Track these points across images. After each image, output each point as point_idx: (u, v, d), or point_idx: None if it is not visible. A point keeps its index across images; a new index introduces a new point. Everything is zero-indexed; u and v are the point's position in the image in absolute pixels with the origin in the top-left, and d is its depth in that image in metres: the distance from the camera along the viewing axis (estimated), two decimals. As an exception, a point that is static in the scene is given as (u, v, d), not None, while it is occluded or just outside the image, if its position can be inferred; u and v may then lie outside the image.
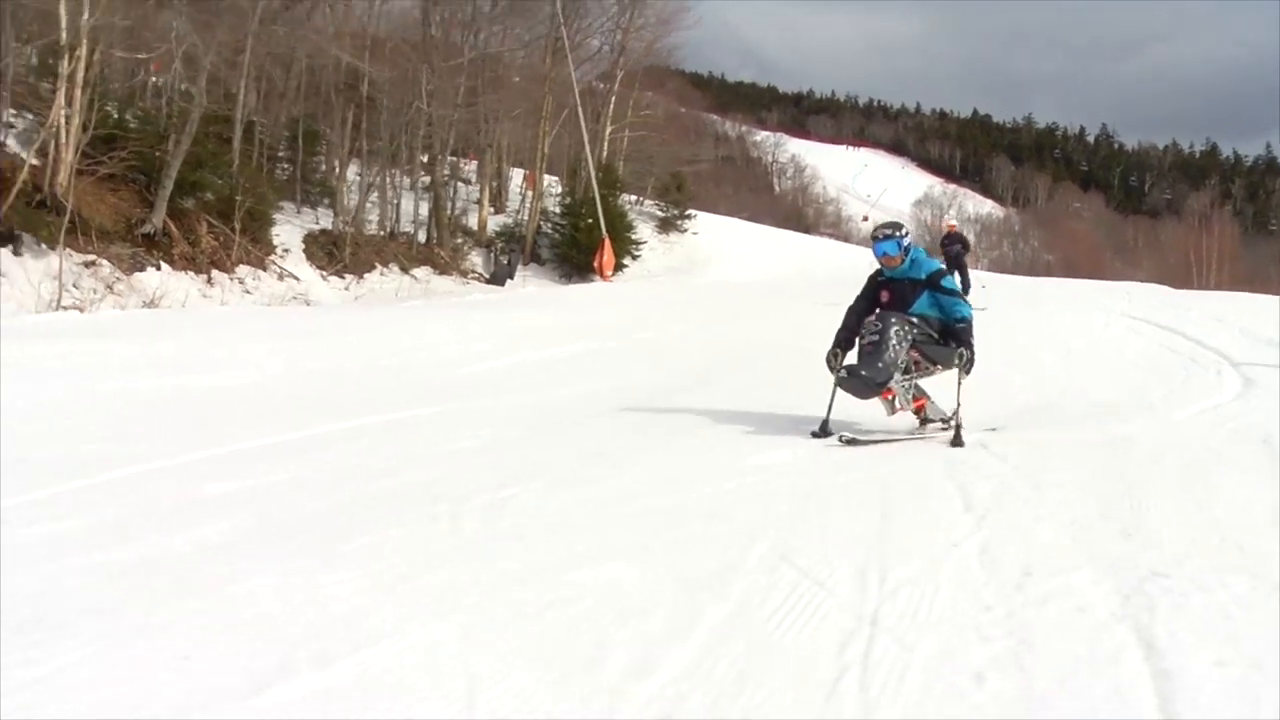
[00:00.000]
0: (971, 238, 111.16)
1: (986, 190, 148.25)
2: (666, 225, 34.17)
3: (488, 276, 27.05)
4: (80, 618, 3.28)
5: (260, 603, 3.48)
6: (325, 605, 3.48)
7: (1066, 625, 3.29)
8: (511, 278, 26.91)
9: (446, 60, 26.44)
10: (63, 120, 19.53)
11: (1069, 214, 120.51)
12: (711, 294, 24.56)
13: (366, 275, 24.41)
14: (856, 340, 7.21)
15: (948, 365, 7.25)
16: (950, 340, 7.19)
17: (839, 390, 7.12)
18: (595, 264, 27.56)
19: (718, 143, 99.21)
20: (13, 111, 20.82)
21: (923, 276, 7.27)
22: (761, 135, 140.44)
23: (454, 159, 30.08)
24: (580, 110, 27.84)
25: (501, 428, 7.22)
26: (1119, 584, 3.63)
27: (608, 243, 27.51)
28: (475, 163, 31.45)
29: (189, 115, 21.33)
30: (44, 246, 18.76)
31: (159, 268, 20.76)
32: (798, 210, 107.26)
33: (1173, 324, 14.13)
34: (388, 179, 27.29)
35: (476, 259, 28.07)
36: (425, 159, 27.87)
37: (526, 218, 29.98)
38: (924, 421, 7.48)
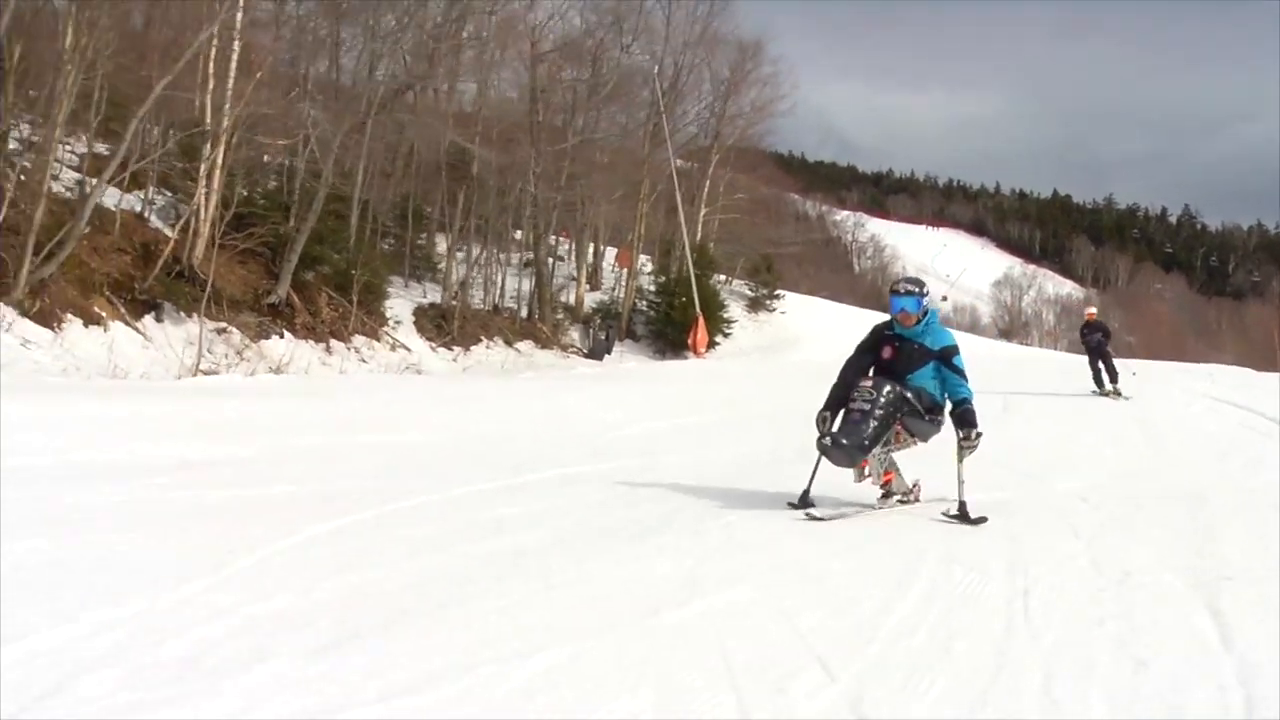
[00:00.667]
0: (1051, 319, 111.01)
1: (1066, 271, 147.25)
2: (756, 304, 35.13)
3: (586, 351, 28.13)
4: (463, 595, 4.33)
5: (595, 579, 4.75)
6: (647, 579, 4.75)
7: (1157, 600, 4.72)
8: (609, 353, 27.96)
9: (551, 145, 27.79)
10: (203, 199, 21.10)
11: (1150, 295, 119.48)
12: (803, 372, 25.30)
13: (473, 347, 25.63)
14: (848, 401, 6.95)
15: (924, 439, 7.05)
16: (927, 415, 6.90)
17: (821, 458, 6.87)
18: (689, 341, 28.50)
19: (798, 222, 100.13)
20: (155, 190, 22.46)
21: (934, 348, 6.95)
22: (842, 215, 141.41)
23: (552, 238, 31.41)
24: (678, 193, 28.98)
25: (678, 477, 8.01)
26: (1194, 580, 5.04)
27: (701, 320, 28.45)
28: (570, 242, 32.76)
29: (314, 194, 22.79)
30: (182, 314, 20.16)
31: (282, 335, 22.06)
32: (877, 289, 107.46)
33: (1253, 404, 14.64)
34: (492, 256, 28.63)
35: (574, 334, 29.22)
36: (531, 238, 29.15)
37: (622, 295, 31.10)
38: (887, 495, 7.20)
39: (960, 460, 6.83)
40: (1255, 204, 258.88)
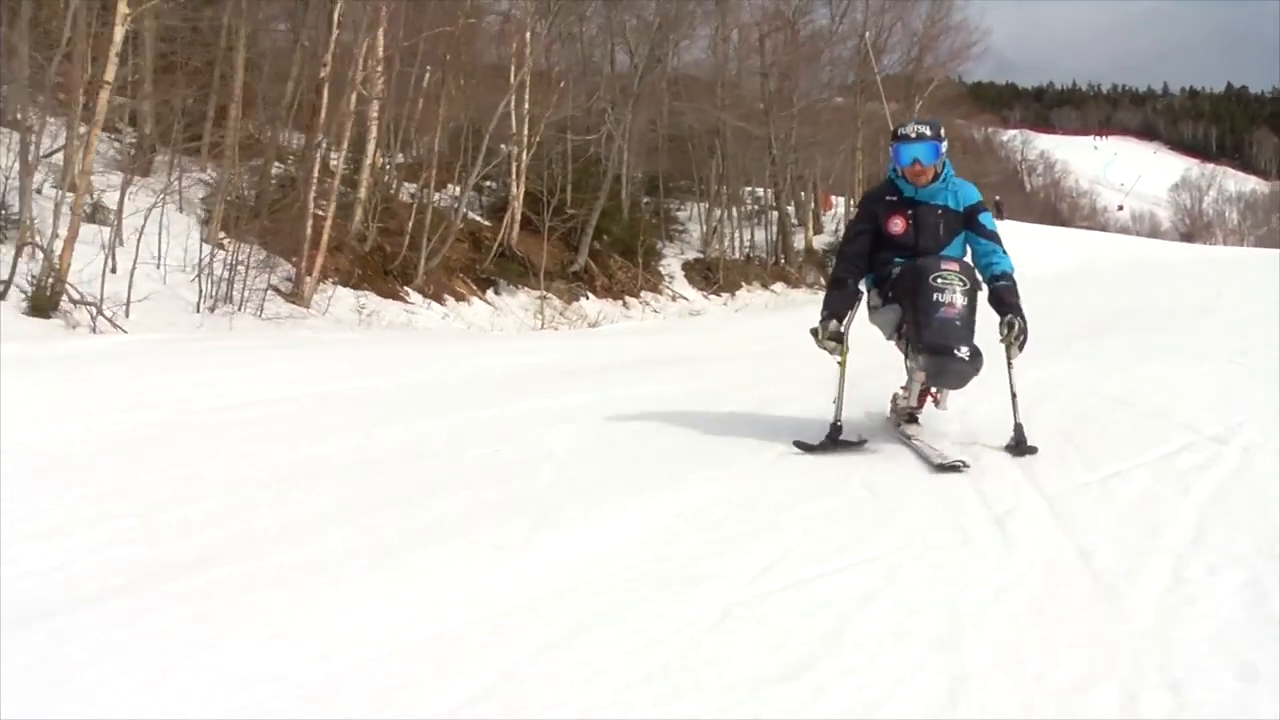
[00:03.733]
0: (1234, 217, 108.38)
1: (1248, 166, 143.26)
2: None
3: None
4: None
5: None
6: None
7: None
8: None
9: (782, 110, 31.83)
10: (515, 192, 25.93)
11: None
12: (1039, 285, 28.44)
13: (737, 292, 30.02)
14: (883, 299, 5.19)
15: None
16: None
17: (926, 375, 5.05)
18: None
19: (964, 146, 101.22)
20: (473, 192, 27.39)
21: (960, 208, 5.14)
22: (1008, 135, 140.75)
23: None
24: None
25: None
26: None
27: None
28: (805, 193, 36.83)
29: (602, 178, 27.43)
30: (513, 286, 25.05)
31: (588, 297, 26.79)
32: (1052, 206, 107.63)
33: None
34: (729, 213, 32.95)
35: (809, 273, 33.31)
36: (771, 194, 33.36)
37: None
38: (907, 418, 5.52)
39: (1010, 362, 4.96)
40: None
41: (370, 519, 3.85)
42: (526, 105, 25.65)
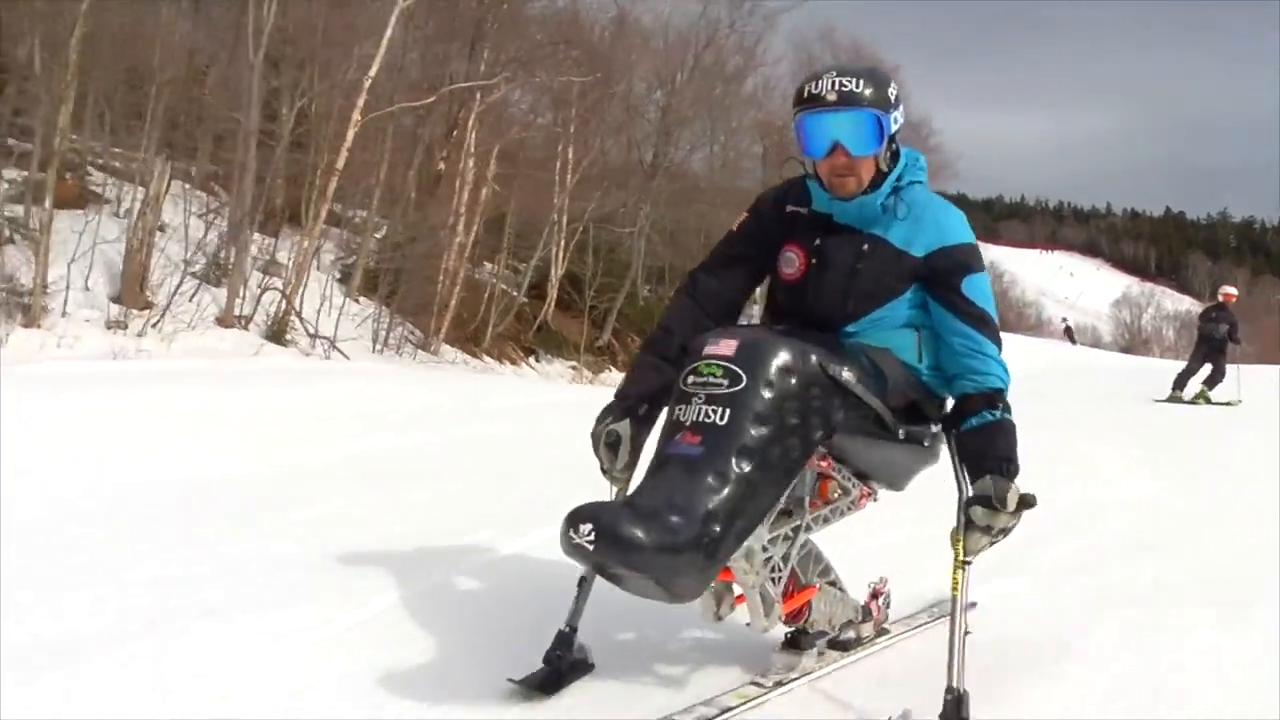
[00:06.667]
0: (1171, 334, 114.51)
1: (1184, 287, 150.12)
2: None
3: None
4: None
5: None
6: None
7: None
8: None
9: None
10: (554, 274, 29.73)
11: (1270, 307, 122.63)
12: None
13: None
14: (679, 385, 2.58)
15: (893, 483, 2.99)
16: (899, 427, 2.74)
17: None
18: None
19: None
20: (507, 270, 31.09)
21: (919, 252, 2.75)
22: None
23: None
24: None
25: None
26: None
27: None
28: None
29: (626, 266, 31.36)
30: (550, 356, 28.71)
31: (610, 370, 30.43)
32: (1001, 316, 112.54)
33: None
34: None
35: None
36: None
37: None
38: (799, 639, 2.99)
39: (962, 555, 2.65)
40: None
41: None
42: (566, 200, 29.52)
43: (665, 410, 2.67)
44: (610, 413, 2.89)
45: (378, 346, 17.19)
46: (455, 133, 20.57)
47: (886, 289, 2.76)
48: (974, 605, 3.27)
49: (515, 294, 26.11)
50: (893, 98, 2.71)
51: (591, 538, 2.25)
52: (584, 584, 2.93)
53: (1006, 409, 2.73)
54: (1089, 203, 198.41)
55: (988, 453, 2.67)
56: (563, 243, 29.29)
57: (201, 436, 6.83)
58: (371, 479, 5.81)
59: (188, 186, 17.30)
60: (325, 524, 4.62)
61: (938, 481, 2.94)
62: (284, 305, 15.36)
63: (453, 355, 20.21)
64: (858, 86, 2.65)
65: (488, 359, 23.71)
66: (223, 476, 5.68)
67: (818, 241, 2.81)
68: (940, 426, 2.87)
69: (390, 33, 15.98)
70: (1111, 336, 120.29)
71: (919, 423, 2.84)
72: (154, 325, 13.93)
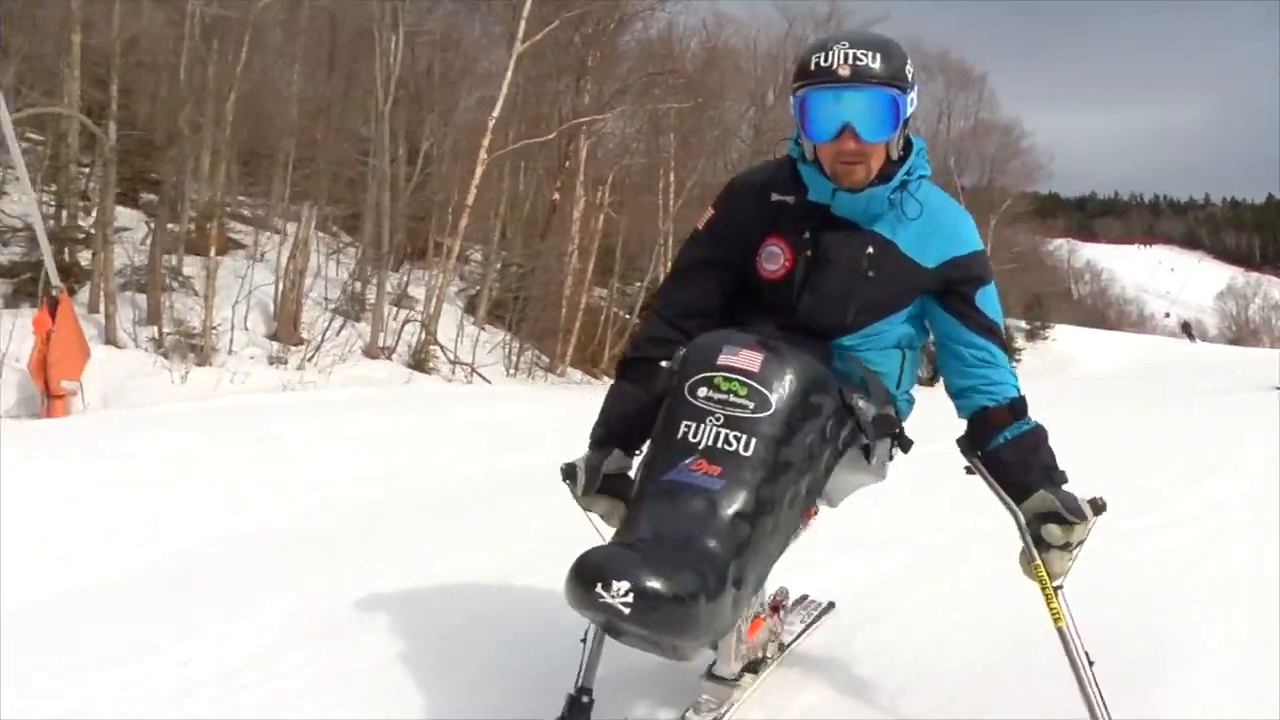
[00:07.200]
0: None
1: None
2: (1032, 335, 42.80)
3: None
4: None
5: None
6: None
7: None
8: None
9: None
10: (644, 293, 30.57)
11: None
12: (1093, 384, 31.96)
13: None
14: (663, 418, 2.29)
15: (833, 501, 2.81)
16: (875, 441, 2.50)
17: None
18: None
19: (1013, 255, 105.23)
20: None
21: (929, 263, 2.48)
22: (1055, 243, 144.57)
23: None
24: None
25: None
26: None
27: (1001, 349, 36.35)
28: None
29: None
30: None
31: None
32: (1099, 313, 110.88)
33: None
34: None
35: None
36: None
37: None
38: (750, 669, 2.84)
39: (1049, 581, 2.48)
40: None
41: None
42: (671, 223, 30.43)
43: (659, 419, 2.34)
44: (603, 446, 2.54)
45: (510, 370, 18.27)
46: (568, 163, 21.58)
47: (892, 300, 2.51)
48: (832, 606, 3.44)
49: (627, 315, 26.97)
50: (910, 76, 2.38)
51: (629, 599, 1.92)
52: (592, 640, 2.53)
53: (1026, 415, 2.54)
54: (1186, 194, 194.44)
55: (1033, 466, 2.49)
56: (668, 264, 30.21)
57: (397, 455, 7.68)
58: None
59: (317, 231, 18.59)
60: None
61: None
62: (423, 335, 16.40)
63: (577, 376, 21.19)
64: (874, 61, 2.30)
65: (607, 379, 24.72)
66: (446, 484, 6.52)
67: (808, 236, 2.47)
68: (961, 450, 2.61)
69: (511, 75, 17.03)
70: (1218, 329, 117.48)
71: (887, 427, 2.56)
72: (309, 360, 15.08)
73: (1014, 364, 2.64)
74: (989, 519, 2.96)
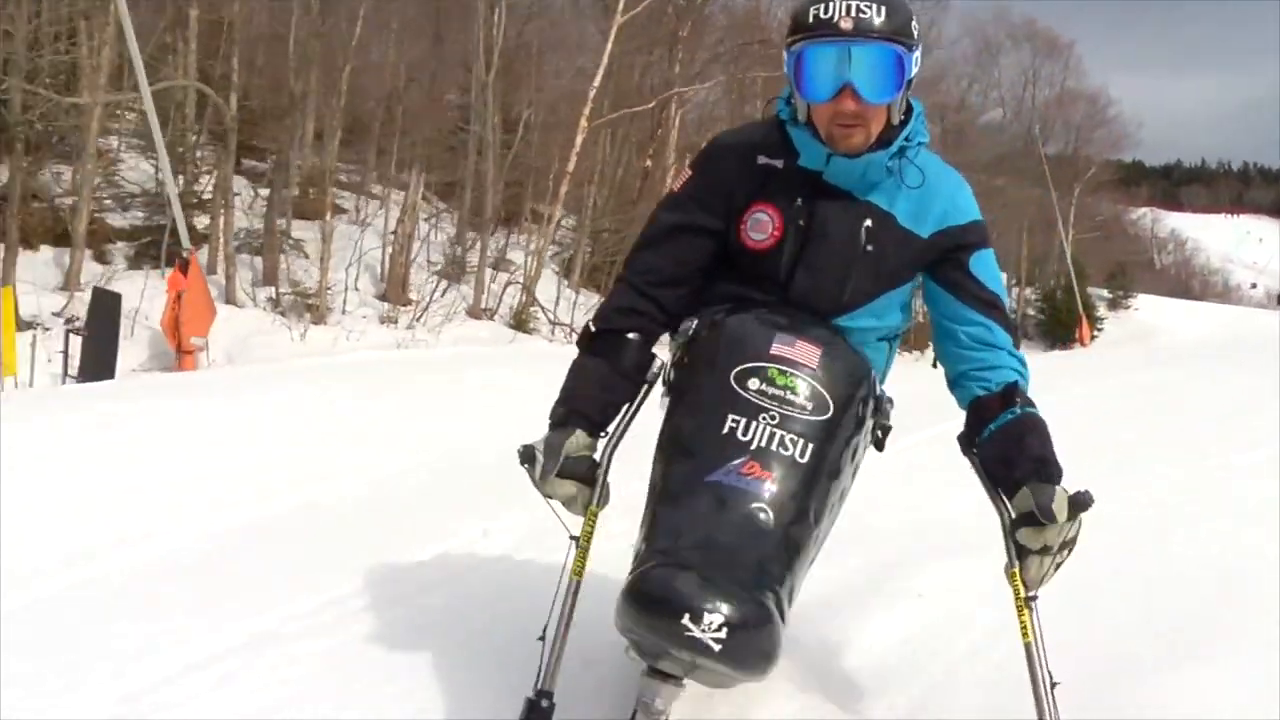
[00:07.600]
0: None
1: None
2: (1114, 304, 42.49)
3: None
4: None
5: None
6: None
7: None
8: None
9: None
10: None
11: None
12: (1180, 351, 31.52)
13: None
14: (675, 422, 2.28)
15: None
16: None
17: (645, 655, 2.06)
18: (1076, 336, 36.14)
19: (1095, 224, 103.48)
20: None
21: (924, 232, 2.32)
22: (1139, 213, 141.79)
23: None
24: (1060, 223, 36.87)
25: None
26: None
27: (1084, 319, 36.12)
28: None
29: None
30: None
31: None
32: (1183, 283, 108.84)
33: None
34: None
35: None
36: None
37: (1015, 306, 39.23)
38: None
39: (1023, 590, 2.23)
40: None
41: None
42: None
43: (665, 391, 2.34)
44: (568, 424, 2.26)
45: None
46: (659, 131, 22.15)
47: (889, 275, 2.33)
48: None
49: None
50: (915, 32, 2.19)
51: (722, 634, 1.80)
52: (562, 622, 2.23)
53: (1028, 403, 2.29)
54: (1278, 162, 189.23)
55: (1016, 459, 2.22)
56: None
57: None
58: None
59: (421, 196, 19.31)
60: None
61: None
62: (524, 297, 17.10)
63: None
64: (878, 14, 2.11)
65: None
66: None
67: (800, 203, 2.27)
68: (960, 446, 2.41)
69: (611, 46, 17.59)
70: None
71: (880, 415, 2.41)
72: (418, 319, 15.84)
73: (1019, 345, 2.42)
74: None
